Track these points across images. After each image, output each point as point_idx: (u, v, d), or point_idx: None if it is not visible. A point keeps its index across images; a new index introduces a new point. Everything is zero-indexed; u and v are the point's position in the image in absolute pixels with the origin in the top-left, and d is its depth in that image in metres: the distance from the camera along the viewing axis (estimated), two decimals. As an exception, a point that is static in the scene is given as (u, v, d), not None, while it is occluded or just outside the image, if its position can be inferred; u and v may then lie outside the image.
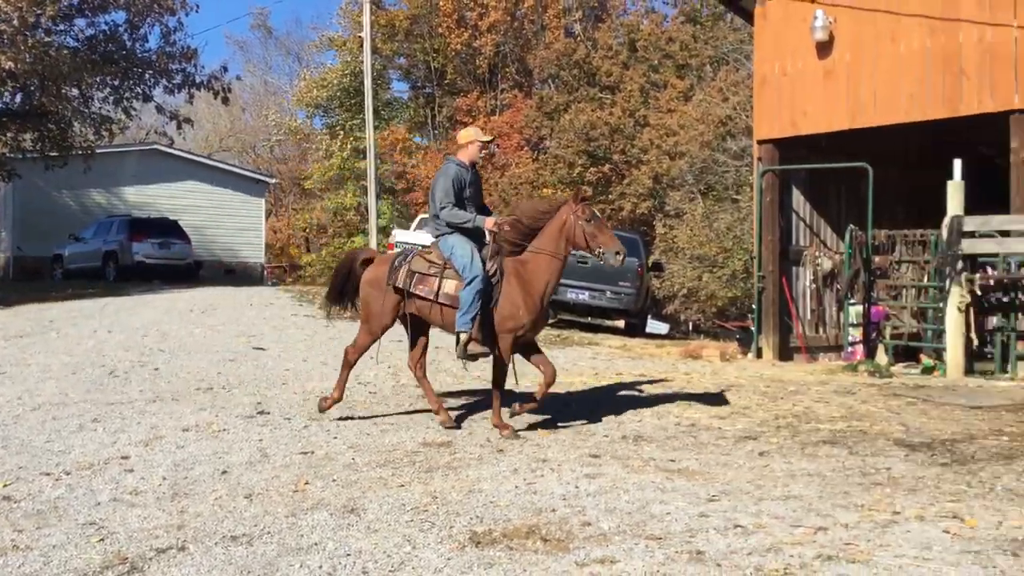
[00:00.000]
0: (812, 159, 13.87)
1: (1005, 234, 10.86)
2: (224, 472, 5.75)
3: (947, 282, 10.87)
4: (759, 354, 13.53)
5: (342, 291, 7.94)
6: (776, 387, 9.80)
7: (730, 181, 26.87)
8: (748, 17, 14.48)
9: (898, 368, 11.64)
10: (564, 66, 36.21)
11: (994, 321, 11.18)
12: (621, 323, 18.40)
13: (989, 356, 11.15)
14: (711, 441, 6.83)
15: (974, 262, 10.97)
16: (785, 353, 13.70)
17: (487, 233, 7.32)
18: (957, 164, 11.02)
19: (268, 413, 7.62)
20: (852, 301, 13.10)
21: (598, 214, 7.34)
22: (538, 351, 7.49)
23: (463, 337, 7.11)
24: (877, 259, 12.97)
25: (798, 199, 14.38)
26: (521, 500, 5.08)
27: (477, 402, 8.27)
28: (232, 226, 32.83)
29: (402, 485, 5.41)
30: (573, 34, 38.93)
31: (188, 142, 41.98)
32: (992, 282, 10.97)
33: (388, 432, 6.95)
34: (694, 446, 6.67)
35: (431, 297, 7.29)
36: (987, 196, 12.03)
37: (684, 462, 6.08)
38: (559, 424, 7.41)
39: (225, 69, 25.11)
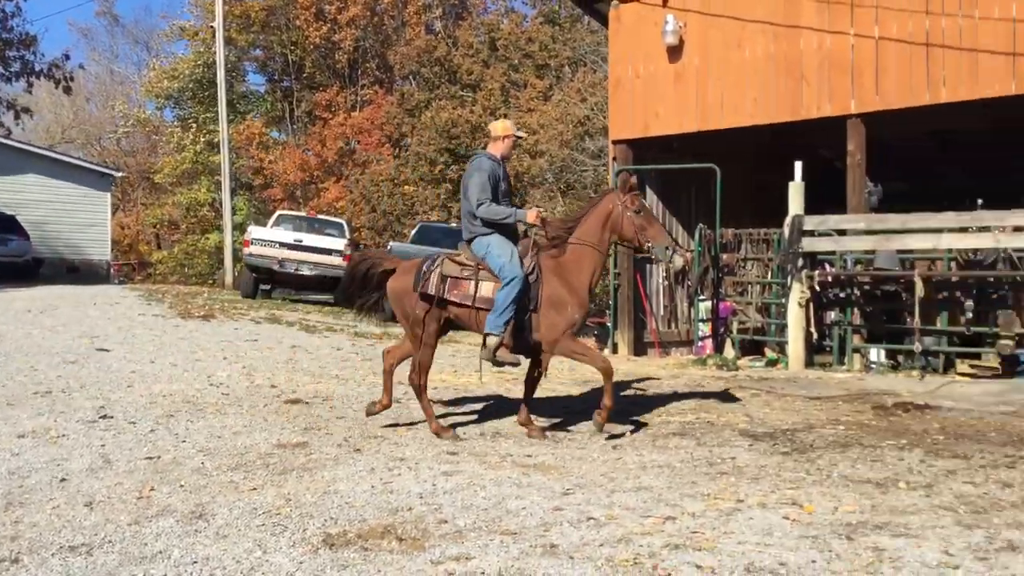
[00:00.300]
0: (665, 159, 14.29)
1: (842, 233, 11.46)
2: (63, 480, 5.46)
3: (788, 279, 11.39)
4: (615, 349, 13.85)
5: (352, 295, 7.55)
6: (631, 382, 10.05)
7: (589, 180, 27.39)
8: (603, 20, 14.79)
9: (744, 361, 12.14)
10: (425, 63, 36.13)
11: (832, 316, 11.79)
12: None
13: (828, 349, 11.76)
14: (567, 436, 6.95)
15: (813, 259, 11.54)
16: (640, 348, 14.07)
17: (525, 229, 7.02)
18: (798, 166, 11.57)
19: (111, 417, 7.28)
20: (702, 297, 13.56)
21: (646, 205, 6.98)
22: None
23: (492, 340, 6.71)
24: (725, 257, 13.48)
25: (651, 198, 14.77)
26: (377, 500, 5.03)
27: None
28: (75, 222, 31.21)
29: (254, 488, 5.28)
30: (434, 31, 38.88)
31: (28, 133, 39.75)
32: (830, 279, 11.56)
33: (241, 434, 6.76)
34: (551, 441, 6.77)
35: (467, 302, 6.85)
36: (827, 196, 12.67)
37: (541, 457, 6.16)
38: (417, 423, 7.38)
39: (67, 57, 24.06)
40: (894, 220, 10.88)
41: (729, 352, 12.85)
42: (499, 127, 7.25)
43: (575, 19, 32.95)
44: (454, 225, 22.26)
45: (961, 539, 4.26)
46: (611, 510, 4.82)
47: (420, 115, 34.37)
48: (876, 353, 11.60)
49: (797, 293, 11.26)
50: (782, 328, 11.99)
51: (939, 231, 10.65)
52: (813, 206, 11.65)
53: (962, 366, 11.37)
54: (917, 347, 10.81)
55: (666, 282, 14.77)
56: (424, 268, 6.97)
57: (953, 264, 11.13)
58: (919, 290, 10.50)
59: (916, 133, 14.20)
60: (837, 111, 11.88)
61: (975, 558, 4.00)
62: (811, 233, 11.34)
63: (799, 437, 6.86)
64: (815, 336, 11.48)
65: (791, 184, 11.54)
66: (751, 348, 13.19)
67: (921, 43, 11.14)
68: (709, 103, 13.03)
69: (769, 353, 12.50)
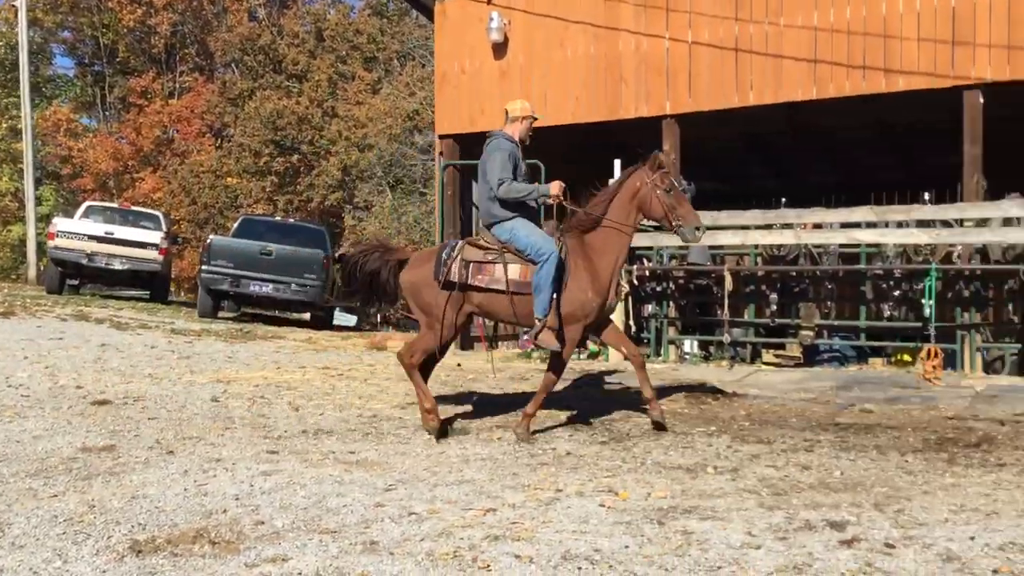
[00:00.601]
0: (491, 155, 14.41)
1: (659, 229, 11.89)
2: None
3: (610, 273, 11.71)
4: (446, 344, 13.86)
5: (359, 291, 7.17)
6: (456, 376, 10.10)
7: (418, 175, 27.37)
8: (429, 14, 14.78)
9: (568, 354, 12.41)
10: (248, 51, 35.06)
11: (649, 309, 12.23)
12: (307, 316, 18.13)
13: (646, 341, 12.20)
14: (391, 431, 6.90)
15: (633, 254, 11.93)
16: (467, 343, 14.16)
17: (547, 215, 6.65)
18: (616, 164, 11.92)
19: None
20: (528, 292, 13.76)
21: (676, 183, 6.69)
22: (615, 329, 7.14)
23: (538, 325, 6.44)
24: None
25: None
26: (190, 503, 4.84)
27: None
28: None
29: (55, 495, 4.97)
30: (257, 18, 37.75)
31: None
32: (647, 273, 11.99)
33: (42, 438, 6.35)
34: (375, 437, 6.70)
35: (495, 287, 6.52)
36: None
37: (364, 453, 6.10)
38: (236, 420, 7.15)
39: None
40: (705, 217, 11.29)
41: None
42: (517, 107, 6.93)
43: (403, 12, 32.82)
44: (278, 218, 21.71)
45: (763, 520, 4.51)
46: (433, 504, 4.82)
47: (244, 105, 33.34)
48: (690, 344, 12.13)
49: (617, 287, 11.60)
50: (603, 321, 12.34)
51: (746, 228, 11.23)
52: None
53: (767, 356, 12.07)
54: (726, 338, 11.37)
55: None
56: (443, 256, 6.65)
57: (759, 259, 11.76)
58: (728, 284, 11.04)
59: (726, 134, 14.94)
60: (653, 111, 12.34)
61: (775, 538, 4.23)
62: (629, 228, 11.70)
63: (616, 426, 7.08)
64: (633, 329, 11.87)
65: (611, 182, 11.86)
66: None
67: (731, 48, 11.71)
68: (533, 100, 13.14)
69: (591, 346, 12.84)
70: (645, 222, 7.08)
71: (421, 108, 27.05)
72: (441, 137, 14.25)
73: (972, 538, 4.15)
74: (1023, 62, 10.17)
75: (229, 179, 32.64)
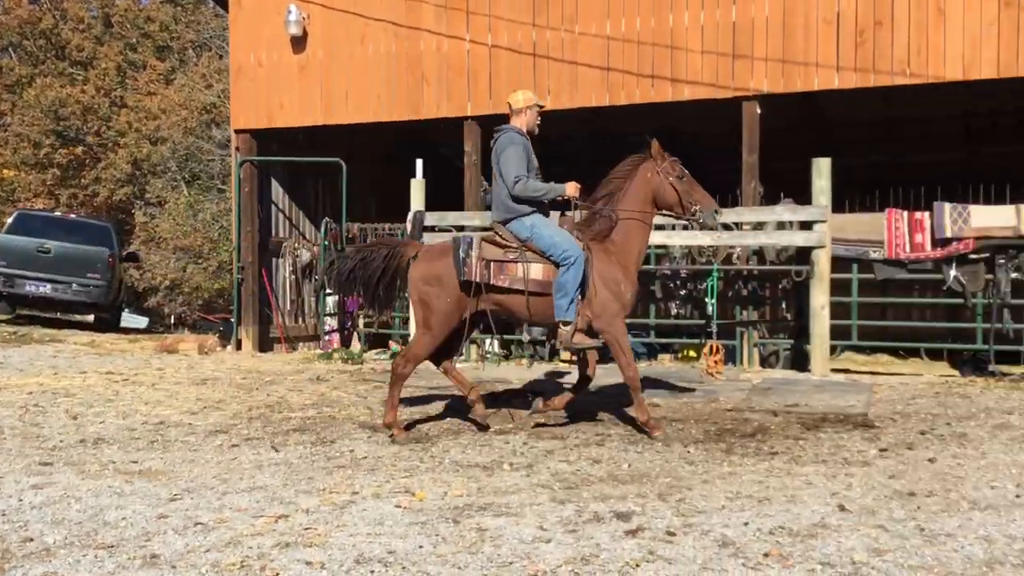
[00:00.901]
0: (290, 152, 14.09)
1: (460, 229, 11.98)
2: None
3: (412, 273, 11.69)
4: (239, 346, 13.44)
5: (367, 287, 6.74)
6: (253, 378, 9.81)
7: (216, 170, 26.33)
8: (224, 4, 14.25)
9: (371, 354, 12.32)
10: (28, 35, 32.63)
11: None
12: (91, 317, 17.10)
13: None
14: (179, 438, 6.61)
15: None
16: (266, 344, 13.78)
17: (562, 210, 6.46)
18: (419, 163, 11.93)
19: None
20: (328, 292, 13.56)
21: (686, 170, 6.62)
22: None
23: (567, 328, 6.32)
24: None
25: (278, 191, 14.52)
26: (-53, 523, 4.45)
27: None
28: None
29: None
30: (38, 1, 35.22)
31: None
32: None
33: None
34: (160, 445, 6.39)
35: (519, 287, 6.35)
36: (449, 193, 13.15)
37: (148, 462, 5.80)
38: (6, 431, 6.64)
39: None
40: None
41: (356, 346, 12.98)
42: (520, 99, 6.80)
43: (199, 1, 31.50)
44: (59, 214, 20.33)
45: (554, 514, 4.62)
46: (221, 513, 4.65)
47: (22, 92, 31.02)
48: (490, 343, 12.29)
49: (415, 287, 11.60)
50: (406, 321, 12.31)
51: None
52: (439, 203, 12.07)
53: (564, 353, 12.38)
54: (526, 337, 11.61)
55: (293, 276, 14.59)
56: (461, 253, 6.45)
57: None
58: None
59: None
60: (455, 112, 12.41)
61: (565, 531, 4.35)
62: (432, 228, 11.74)
63: (416, 426, 7.07)
64: (435, 329, 11.88)
65: (413, 181, 11.87)
66: (378, 341, 13.42)
67: (529, 53, 11.95)
68: (335, 97, 13.04)
69: (394, 346, 12.79)
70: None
71: (219, 101, 26.02)
72: (237, 132, 13.78)
73: (746, 524, 4.41)
74: (796, 75, 10.93)
75: (5, 171, 30.30)
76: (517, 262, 6.48)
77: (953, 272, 9.84)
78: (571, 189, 6.69)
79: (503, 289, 6.50)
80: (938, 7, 10.32)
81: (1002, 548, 4.02)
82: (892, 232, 10.07)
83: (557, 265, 6.44)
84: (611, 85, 11.64)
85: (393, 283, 6.81)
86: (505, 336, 12.26)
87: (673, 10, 11.35)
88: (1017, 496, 4.84)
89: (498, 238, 6.62)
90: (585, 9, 11.73)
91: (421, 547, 4.13)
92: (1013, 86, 10.58)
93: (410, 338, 11.74)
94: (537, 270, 6.46)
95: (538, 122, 6.91)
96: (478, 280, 6.44)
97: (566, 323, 6.42)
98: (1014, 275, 9.73)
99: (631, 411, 6.79)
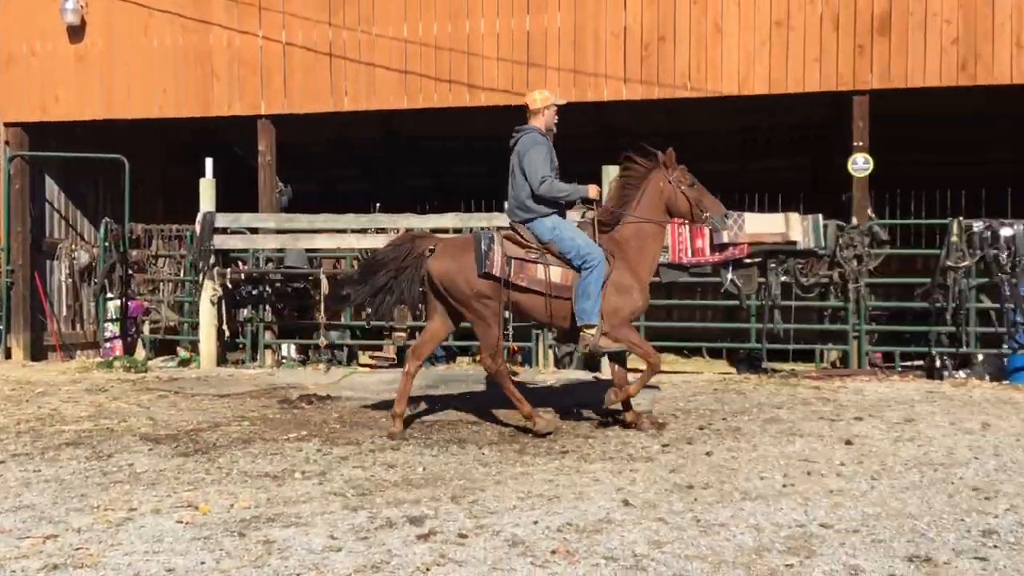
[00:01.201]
0: (67, 147, 13.18)
1: (255, 231, 11.62)
2: None
3: (201, 276, 11.24)
4: (8, 355, 12.48)
5: (379, 285, 6.66)
6: (23, 389, 9.14)
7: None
8: (-5, -14, 13.16)
9: (156, 362, 11.73)
10: None
11: (245, 313, 11.89)
12: None
13: (241, 346, 11.85)
14: (-67, 457, 6.03)
15: (227, 257, 11.54)
16: (39, 353, 12.86)
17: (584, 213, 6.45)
18: (209, 162, 11.46)
19: None
20: (109, 296, 12.81)
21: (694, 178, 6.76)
22: None
23: (591, 332, 6.39)
24: (135, 253, 12.87)
25: (52, 189, 13.58)
26: None
27: None
28: None
29: None
30: None
31: None
32: (242, 276, 11.65)
33: None
34: (-89, 465, 5.82)
35: (541, 288, 6.40)
36: (246, 195, 12.71)
37: None
38: None
39: None
40: (303, 220, 11.29)
41: (140, 353, 12.32)
42: (536, 99, 6.78)
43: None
44: None
45: (347, 522, 4.55)
46: (-20, 537, 4.29)
47: None
48: (287, 348, 12.00)
49: (209, 291, 11.16)
50: (195, 326, 11.80)
51: (343, 231, 11.31)
52: (232, 204, 11.64)
53: (364, 357, 12.28)
54: (322, 341, 11.40)
55: (70, 280, 13.68)
56: (484, 247, 6.43)
57: (355, 262, 11.90)
58: (324, 287, 11.06)
59: (323, 137, 14.99)
60: (247, 110, 12.03)
61: (357, 539, 4.29)
62: (224, 231, 11.32)
63: (203, 437, 6.78)
64: (228, 334, 11.48)
65: (202, 180, 11.39)
66: (165, 347, 12.78)
67: (325, 52, 11.74)
68: (116, 90, 12.33)
69: (182, 352, 12.22)
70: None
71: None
72: (8, 125, 12.78)
73: (535, 522, 4.50)
74: (587, 85, 11.30)
75: None
76: (538, 263, 6.57)
77: (730, 275, 10.44)
78: (593, 191, 6.77)
79: (522, 288, 6.56)
80: (716, 25, 10.96)
81: (769, 536, 4.30)
82: (675, 237, 10.58)
83: (575, 268, 6.54)
84: (409, 88, 11.63)
85: (410, 276, 6.71)
86: (303, 341, 12.00)
87: (470, 16, 11.47)
88: (784, 486, 5.20)
89: (519, 237, 6.68)
90: (382, 11, 11.66)
91: (203, 563, 3.96)
92: (783, 102, 11.38)
93: (199, 344, 11.32)
94: (557, 273, 6.56)
95: (556, 120, 6.92)
96: (498, 275, 6.47)
97: (590, 326, 6.49)
98: (783, 278, 10.46)
99: (630, 389, 6.82)
